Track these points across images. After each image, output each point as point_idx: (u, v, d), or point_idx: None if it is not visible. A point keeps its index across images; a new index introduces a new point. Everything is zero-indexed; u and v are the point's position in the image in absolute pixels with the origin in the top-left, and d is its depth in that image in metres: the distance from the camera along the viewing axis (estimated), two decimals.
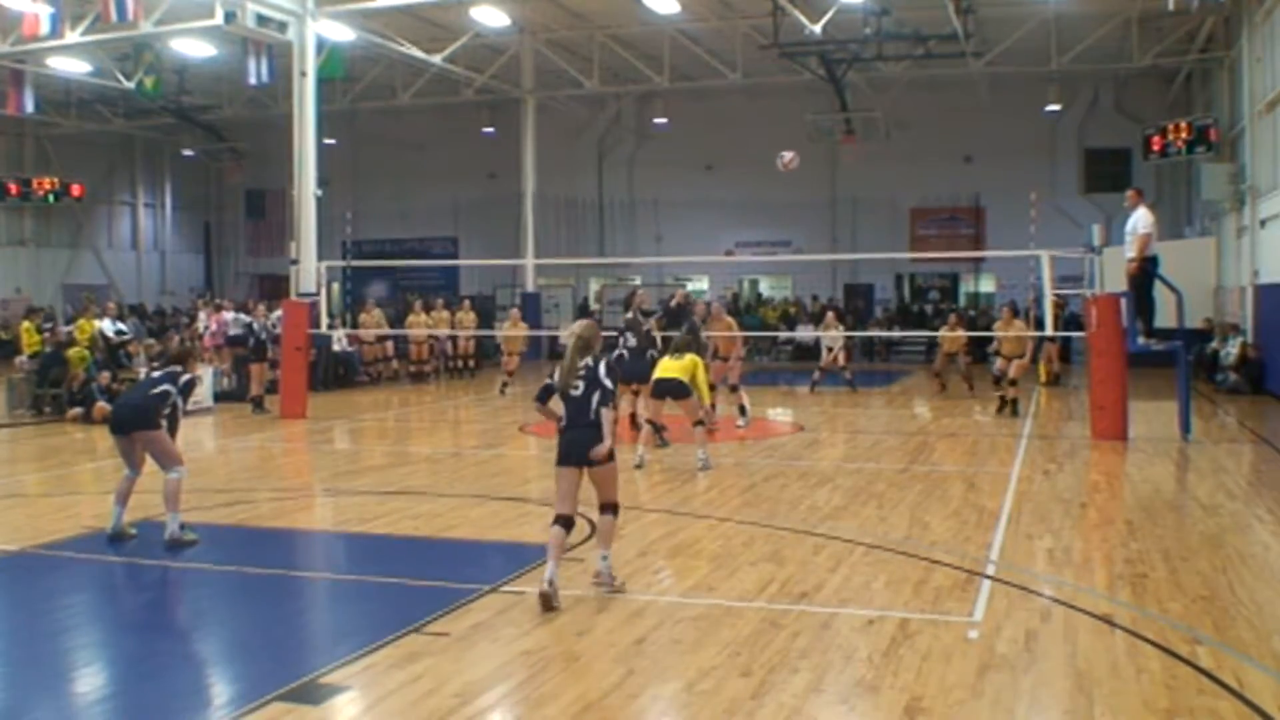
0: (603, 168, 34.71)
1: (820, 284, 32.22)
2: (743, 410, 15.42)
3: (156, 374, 8.90)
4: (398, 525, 9.18)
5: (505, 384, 20.64)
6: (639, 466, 11.77)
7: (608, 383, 7.00)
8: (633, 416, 14.51)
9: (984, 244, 30.48)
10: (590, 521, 8.89)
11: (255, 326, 18.76)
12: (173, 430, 8.72)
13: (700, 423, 12.21)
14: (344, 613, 7.11)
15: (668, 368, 12.46)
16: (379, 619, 6.61)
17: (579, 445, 6.89)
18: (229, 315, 23.13)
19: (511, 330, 21.93)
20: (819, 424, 15.83)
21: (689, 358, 12.48)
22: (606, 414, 6.91)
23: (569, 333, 7.42)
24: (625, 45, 26.63)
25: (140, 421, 8.53)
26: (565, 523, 6.87)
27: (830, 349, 21.32)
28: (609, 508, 7.04)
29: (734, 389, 15.70)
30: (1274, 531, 8.90)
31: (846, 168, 31.61)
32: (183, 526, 8.45)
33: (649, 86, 28.96)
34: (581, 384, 6.98)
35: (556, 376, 7.07)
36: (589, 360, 7.04)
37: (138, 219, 38.71)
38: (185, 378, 8.80)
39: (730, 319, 16.83)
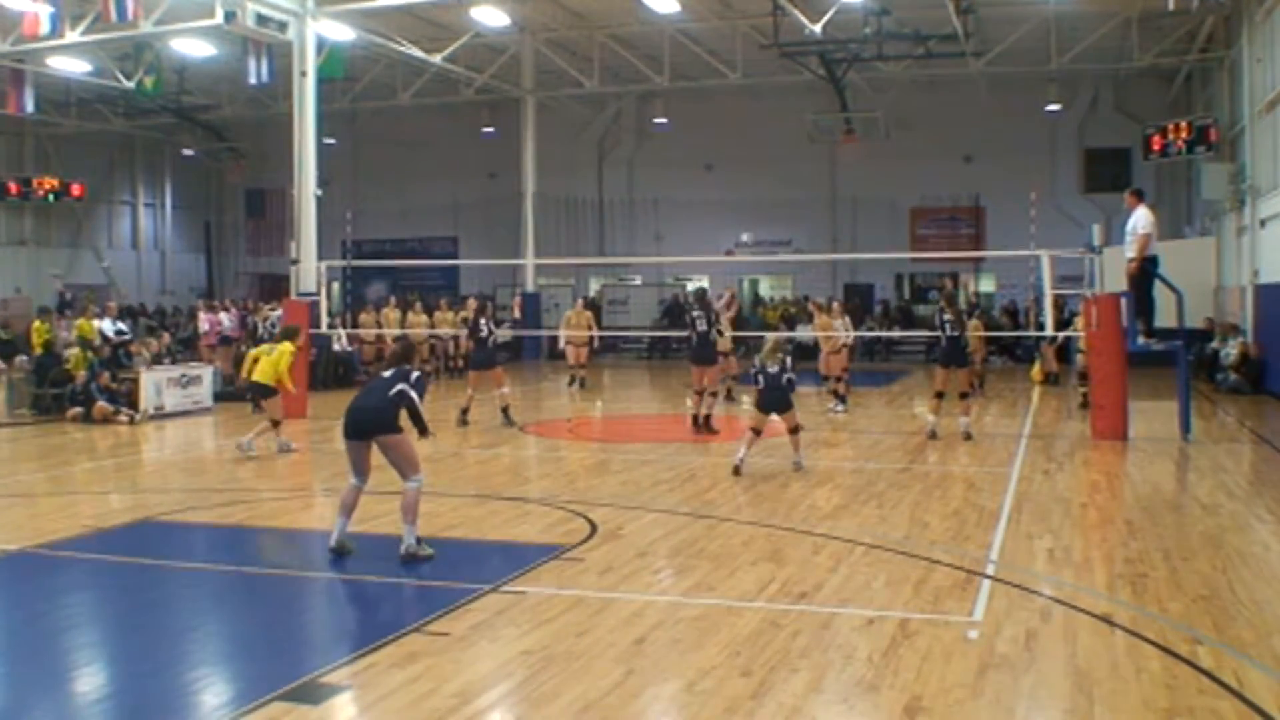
0: (603, 167, 34.70)
1: (820, 284, 32.20)
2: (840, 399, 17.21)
3: (387, 374, 8.30)
4: (398, 525, 9.15)
5: (574, 378, 21.55)
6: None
7: (789, 361, 11.45)
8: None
9: (984, 244, 30.47)
10: (591, 521, 8.97)
11: (258, 326, 18.76)
12: (419, 422, 8.27)
13: (277, 422, 13.12)
14: (344, 613, 7.11)
15: (263, 370, 12.98)
16: (379, 619, 6.61)
17: (771, 401, 11.38)
18: (224, 315, 23.21)
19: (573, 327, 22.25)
20: (819, 423, 15.82)
21: (280, 350, 13.04)
22: (790, 381, 11.42)
23: (772, 337, 12.57)
24: (625, 45, 26.63)
25: (383, 425, 8.01)
26: (757, 432, 11.53)
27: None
28: (793, 430, 11.65)
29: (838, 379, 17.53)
30: (1274, 531, 8.90)
31: (846, 168, 31.62)
32: (419, 540, 7.93)
33: (649, 86, 28.96)
34: (775, 366, 11.31)
35: (758, 361, 11.55)
36: (781, 354, 11.41)
37: (138, 219, 38.70)
38: (415, 374, 8.28)
39: (829, 317, 18.29)
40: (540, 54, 27.68)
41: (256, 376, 13.15)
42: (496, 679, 5.50)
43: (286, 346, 13.19)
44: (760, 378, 11.44)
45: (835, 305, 18.57)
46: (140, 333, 25.02)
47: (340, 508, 8.15)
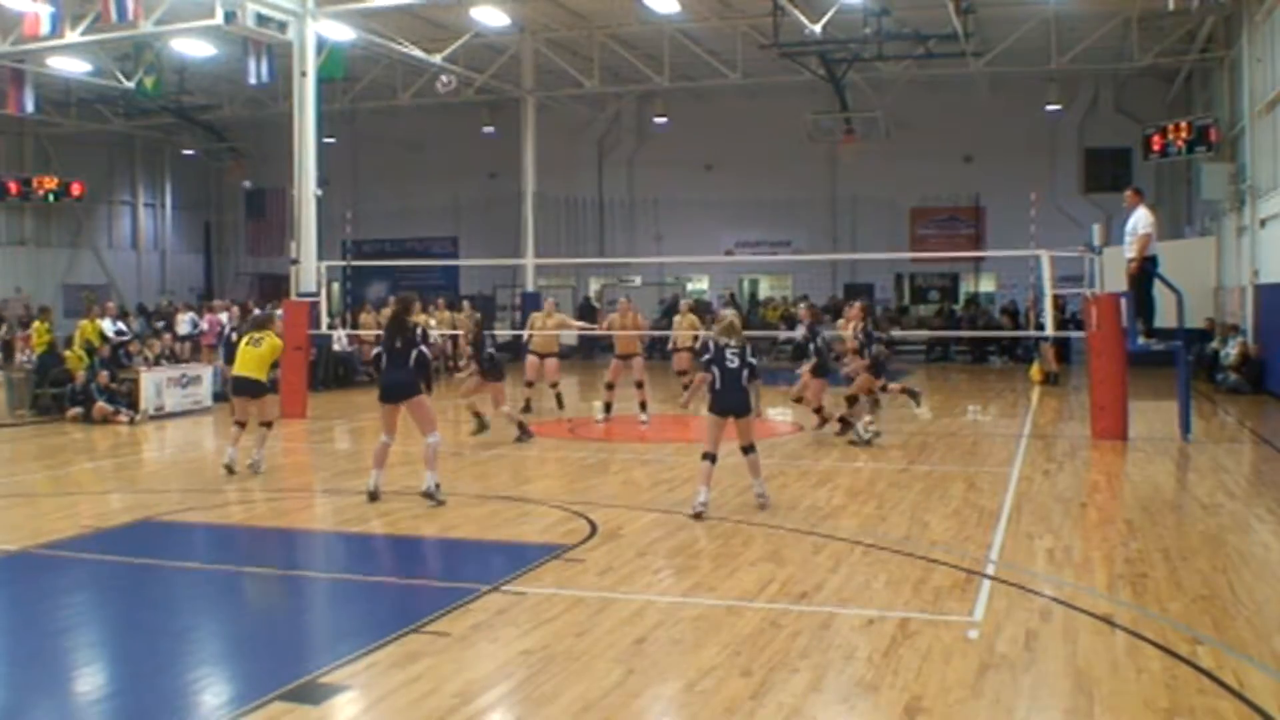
0: (603, 167, 34.70)
1: (820, 284, 32.23)
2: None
3: (399, 343, 9.82)
4: (398, 525, 9.18)
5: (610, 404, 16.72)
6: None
7: (753, 361, 9.25)
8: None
9: (984, 244, 30.48)
10: (591, 521, 8.97)
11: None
12: (428, 377, 10.03)
13: (269, 424, 11.73)
14: (344, 613, 7.11)
15: (245, 361, 11.39)
16: (379, 619, 6.60)
17: (730, 403, 9.10)
18: (224, 315, 23.21)
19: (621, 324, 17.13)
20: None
21: (267, 344, 11.44)
22: (753, 385, 9.31)
23: (721, 318, 9.79)
24: (625, 45, 26.62)
25: (408, 391, 9.83)
26: (712, 458, 9.10)
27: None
28: (749, 448, 9.30)
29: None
30: (1274, 531, 8.90)
31: (846, 168, 31.62)
32: (437, 486, 9.74)
33: (649, 86, 28.94)
34: (736, 359, 9.10)
35: (713, 350, 9.19)
36: (735, 341, 9.16)
37: (138, 219, 38.68)
38: (419, 330, 9.93)
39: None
40: (540, 54, 27.66)
41: (243, 371, 11.46)
42: (496, 679, 5.50)
43: (273, 345, 11.53)
44: (716, 369, 9.09)
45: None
46: (150, 333, 25.01)
47: (374, 460, 9.98)
